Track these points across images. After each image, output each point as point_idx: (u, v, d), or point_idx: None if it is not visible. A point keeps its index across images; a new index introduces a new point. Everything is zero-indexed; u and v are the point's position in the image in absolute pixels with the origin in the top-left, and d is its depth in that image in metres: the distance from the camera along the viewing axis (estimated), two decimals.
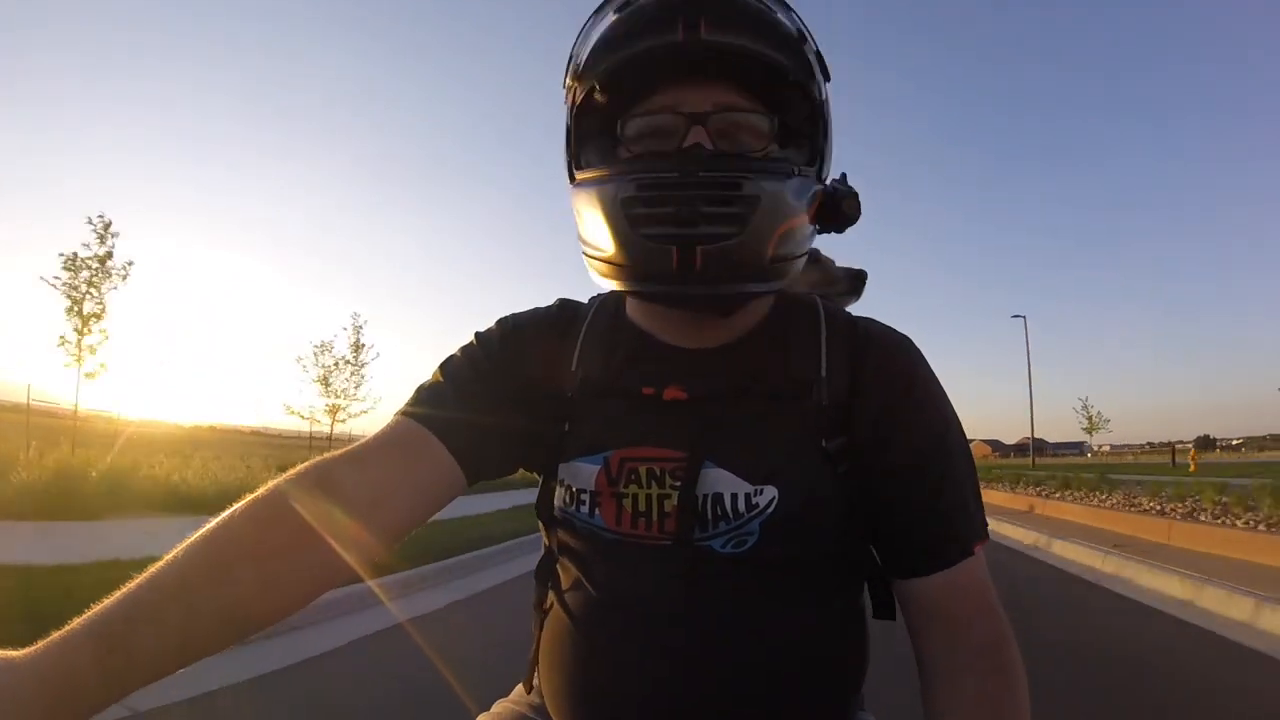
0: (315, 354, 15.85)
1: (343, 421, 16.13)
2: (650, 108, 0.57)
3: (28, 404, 9.42)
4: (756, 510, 0.55)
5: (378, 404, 16.33)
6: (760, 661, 0.55)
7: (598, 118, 0.60)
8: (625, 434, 0.60)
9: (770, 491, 0.56)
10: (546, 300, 0.73)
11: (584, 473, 0.60)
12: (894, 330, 0.65)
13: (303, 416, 16.22)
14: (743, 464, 0.56)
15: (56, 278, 8.65)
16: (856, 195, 0.62)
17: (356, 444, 0.60)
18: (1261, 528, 5.88)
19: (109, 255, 8.70)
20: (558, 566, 0.65)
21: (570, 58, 0.60)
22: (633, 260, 0.54)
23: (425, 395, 0.62)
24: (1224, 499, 7.40)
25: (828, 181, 0.62)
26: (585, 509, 0.59)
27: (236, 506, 0.52)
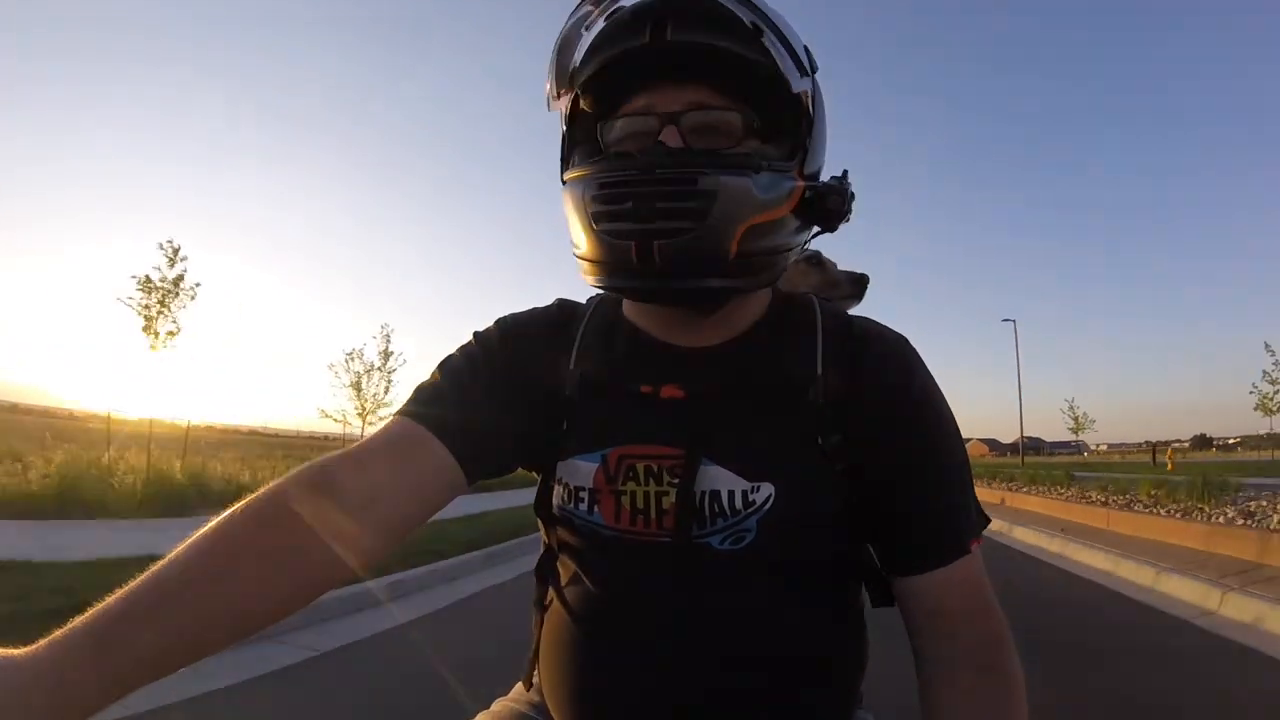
0: (346, 361, 17.02)
1: (372, 425, 17.18)
2: (628, 110, 0.59)
3: (108, 416, 10.47)
4: (753, 507, 0.56)
5: None
6: (759, 657, 0.56)
7: (586, 124, 0.63)
8: (623, 432, 0.60)
9: (767, 488, 0.56)
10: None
11: (582, 470, 0.60)
12: (890, 329, 0.65)
13: (335, 419, 17.36)
14: (740, 461, 0.57)
15: (130, 298, 9.73)
16: (844, 191, 0.61)
17: (356, 444, 0.60)
18: (1177, 515, 7.09)
19: (180, 278, 9.82)
20: (557, 564, 0.66)
21: (553, 67, 0.60)
22: (599, 256, 0.56)
23: (424, 395, 0.62)
24: (1156, 492, 8.70)
25: (825, 178, 0.62)
26: (584, 506, 0.60)
27: (237, 506, 0.52)
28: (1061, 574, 5.98)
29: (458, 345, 0.67)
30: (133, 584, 0.46)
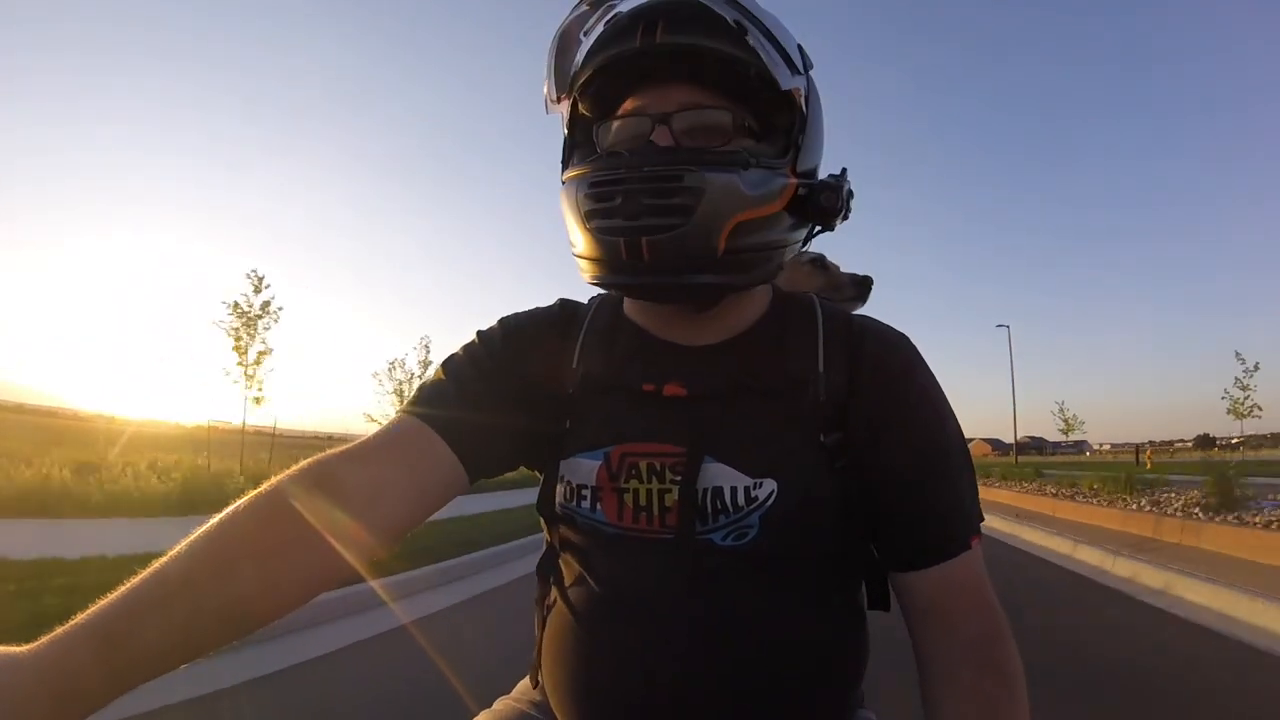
0: (389, 369, 18.68)
1: None
2: (622, 112, 0.60)
3: (208, 428, 11.94)
4: (756, 503, 0.56)
5: None
6: (761, 655, 0.56)
7: (585, 126, 0.64)
8: (626, 430, 0.61)
9: (769, 485, 0.56)
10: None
11: (585, 468, 0.61)
12: (891, 328, 0.66)
13: (380, 424, 18.91)
14: (742, 458, 0.57)
15: (221, 321, 11.39)
16: (839, 189, 0.61)
17: (357, 441, 0.60)
18: (1105, 504, 8.92)
19: (268, 304, 11.51)
20: (559, 562, 0.66)
21: (551, 72, 0.61)
22: (593, 253, 0.57)
23: (427, 393, 0.63)
24: (1095, 486, 10.54)
25: (822, 176, 0.63)
26: (586, 504, 0.60)
27: (238, 503, 0.52)
28: (1007, 548, 7.61)
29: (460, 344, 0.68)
30: (135, 581, 0.46)
